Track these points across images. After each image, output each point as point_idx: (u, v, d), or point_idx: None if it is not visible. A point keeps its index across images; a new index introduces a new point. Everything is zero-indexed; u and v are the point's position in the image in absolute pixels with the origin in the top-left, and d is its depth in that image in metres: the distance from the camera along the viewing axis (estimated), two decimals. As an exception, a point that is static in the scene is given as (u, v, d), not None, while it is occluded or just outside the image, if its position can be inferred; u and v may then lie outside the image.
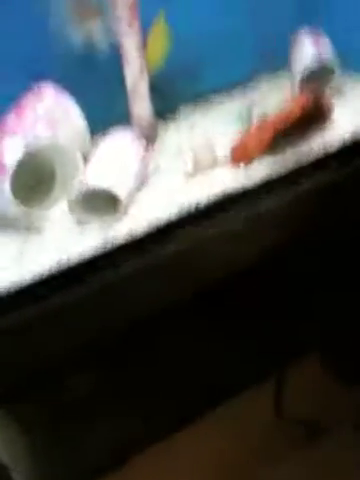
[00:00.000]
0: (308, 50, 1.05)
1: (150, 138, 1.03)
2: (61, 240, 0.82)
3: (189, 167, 0.91)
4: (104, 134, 1.06)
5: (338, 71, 1.04)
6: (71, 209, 0.84)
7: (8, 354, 0.76)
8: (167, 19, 0.99)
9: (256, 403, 1.19)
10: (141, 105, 1.00)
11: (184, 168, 0.92)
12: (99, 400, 1.00)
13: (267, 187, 0.90)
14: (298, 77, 1.04)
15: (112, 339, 0.87)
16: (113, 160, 0.88)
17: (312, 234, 0.98)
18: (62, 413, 0.96)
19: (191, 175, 0.91)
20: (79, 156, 0.89)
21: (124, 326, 0.86)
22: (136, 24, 0.91)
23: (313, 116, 0.92)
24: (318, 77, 1.06)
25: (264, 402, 1.20)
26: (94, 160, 0.87)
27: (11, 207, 0.82)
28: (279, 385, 1.18)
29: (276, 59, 1.15)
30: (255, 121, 1.01)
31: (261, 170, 0.91)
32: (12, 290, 0.76)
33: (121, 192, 0.83)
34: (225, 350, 1.06)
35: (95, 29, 0.94)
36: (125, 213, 0.85)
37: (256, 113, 1.01)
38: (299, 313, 1.11)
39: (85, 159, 0.93)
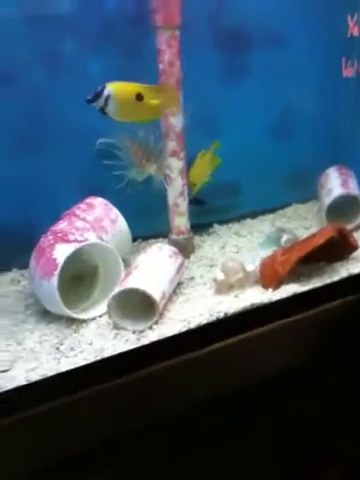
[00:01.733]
0: (336, 185, 1.17)
1: (186, 250, 1.12)
2: (95, 342, 0.88)
3: (219, 285, 0.98)
4: (147, 243, 1.17)
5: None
6: (109, 311, 0.91)
7: (42, 439, 0.80)
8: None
9: None
10: (180, 220, 1.11)
11: (215, 283, 0.99)
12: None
13: (292, 303, 0.97)
14: (325, 209, 1.15)
15: (136, 437, 0.89)
16: (151, 268, 0.96)
17: (334, 352, 1.02)
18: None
19: (221, 292, 0.98)
20: (120, 259, 0.97)
21: (147, 426, 0.88)
22: (181, 153, 1.05)
23: (337, 247, 1.00)
24: (344, 210, 1.16)
25: None
26: (134, 267, 0.96)
27: (56, 302, 0.89)
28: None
29: (307, 190, 1.27)
30: (283, 244, 1.10)
31: (287, 289, 0.98)
32: (45, 381, 0.81)
33: (156, 295, 0.90)
34: (240, 465, 1.05)
35: (152, 170, 1.09)
36: (160, 318, 0.91)
37: (284, 237, 1.10)
38: (319, 428, 1.11)
39: (127, 264, 1.02)
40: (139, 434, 0.90)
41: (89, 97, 0.94)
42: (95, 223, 1.01)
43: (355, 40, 0.92)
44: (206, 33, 1.06)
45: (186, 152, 1.06)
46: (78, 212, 1.01)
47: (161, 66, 0.96)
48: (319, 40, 1.07)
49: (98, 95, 0.94)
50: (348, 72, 0.90)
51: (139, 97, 0.96)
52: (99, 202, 1.04)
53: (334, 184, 1.17)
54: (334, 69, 0.99)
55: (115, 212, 1.04)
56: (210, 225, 1.24)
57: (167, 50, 0.95)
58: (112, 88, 0.95)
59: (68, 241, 0.93)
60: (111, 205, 1.05)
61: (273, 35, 1.11)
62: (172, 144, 1.03)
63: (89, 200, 1.04)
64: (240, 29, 1.08)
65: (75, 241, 0.93)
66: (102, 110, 0.95)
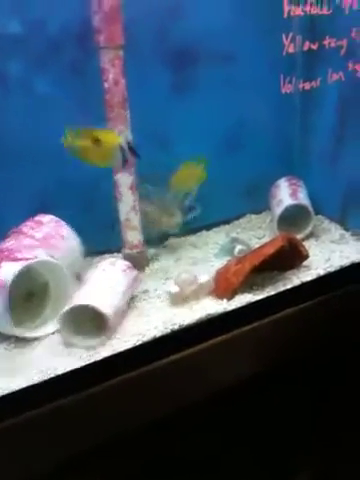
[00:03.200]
0: (286, 196, 1.19)
1: (140, 264, 1.11)
2: (47, 360, 0.86)
3: (174, 297, 0.98)
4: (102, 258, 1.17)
5: (313, 215, 1.16)
6: (60, 329, 0.89)
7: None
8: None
9: None
10: (132, 234, 1.10)
11: (170, 296, 0.99)
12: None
13: (246, 312, 0.97)
14: (276, 219, 1.16)
15: (92, 456, 0.87)
16: (103, 283, 0.95)
17: (290, 357, 1.03)
18: None
19: (175, 304, 0.98)
20: (69, 275, 0.96)
21: (104, 443, 0.87)
22: (130, 167, 1.04)
23: (288, 256, 1.01)
24: (295, 220, 1.18)
25: None
26: (85, 283, 0.95)
27: (5, 322, 0.87)
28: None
29: (261, 201, 1.29)
30: (236, 254, 1.11)
31: (241, 299, 0.98)
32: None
33: (108, 311, 0.89)
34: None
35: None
36: (113, 334, 0.90)
37: (238, 248, 1.11)
38: (283, 436, 1.11)
39: (80, 280, 1.01)
40: (96, 452, 0.88)
41: None
42: (44, 240, 1.00)
43: (292, 57, 0.94)
44: (155, 51, 1.07)
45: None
46: (25, 230, 1.00)
47: (106, 85, 0.97)
48: (266, 57, 1.10)
49: None
50: (287, 89, 0.92)
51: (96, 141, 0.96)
52: (49, 219, 1.03)
53: (284, 195, 1.19)
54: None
55: (66, 229, 1.03)
56: (166, 237, 1.24)
57: (111, 69, 0.96)
58: None
59: (15, 259, 0.91)
60: (62, 222, 1.03)
61: (221, 52, 1.12)
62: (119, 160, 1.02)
63: (38, 217, 1.03)
64: (188, 47, 1.10)
65: (23, 259, 0.91)
66: None
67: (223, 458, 1.04)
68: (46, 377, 0.82)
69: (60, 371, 0.83)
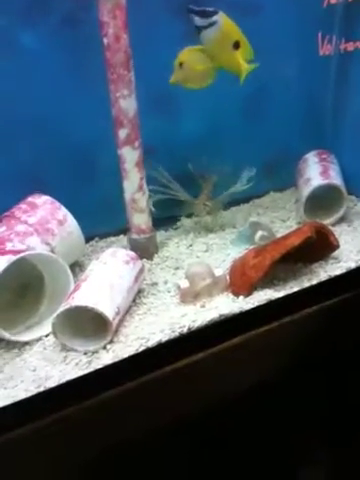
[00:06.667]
0: (315, 174, 1.04)
1: (148, 251, 1.00)
2: (39, 368, 0.76)
3: (184, 293, 0.87)
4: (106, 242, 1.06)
5: (345, 197, 1.02)
6: (54, 331, 0.78)
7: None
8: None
9: None
10: (139, 218, 0.98)
11: (179, 291, 0.88)
12: None
13: (265, 311, 0.86)
14: (303, 201, 1.02)
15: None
16: (104, 280, 0.83)
17: (311, 362, 0.92)
18: None
19: (185, 301, 0.87)
20: (68, 268, 0.85)
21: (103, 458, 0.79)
22: (136, 142, 0.91)
23: (316, 246, 0.88)
24: (325, 201, 1.04)
25: None
26: (83, 279, 0.83)
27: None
28: None
29: (285, 178, 1.14)
30: (257, 241, 0.98)
31: (260, 296, 0.87)
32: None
33: (109, 312, 0.78)
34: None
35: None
36: (115, 336, 0.80)
37: (259, 234, 0.98)
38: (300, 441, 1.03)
39: (81, 268, 0.90)
40: (93, 465, 0.80)
41: (195, 7, 0.84)
42: (39, 226, 0.88)
43: (334, 10, 0.76)
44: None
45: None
46: (18, 214, 0.88)
47: (105, 40, 0.81)
48: (299, 8, 0.91)
49: (206, 14, 0.84)
50: (326, 50, 0.75)
51: (236, 45, 0.88)
52: (44, 201, 0.91)
53: (313, 173, 1.04)
54: (313, 44, 0.84)
55: (63, 211, 0.91)
56: (177, 218, 1.12)
57: (111, 22, 0.80)
58: (222, 18, 0.85)
59: (3, 252, 0.79)
60: (58, 203, 0.91)
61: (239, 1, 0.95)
62: (125, 132, 0.89)
63: (32, 199, 0.91)
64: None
65: (11, 252, 0.80)
66: (199, 30, 0.85)
67: (234, 468, 0.95)
68: (36, 390, 0.73)
69: (52, 383, 0.73)
